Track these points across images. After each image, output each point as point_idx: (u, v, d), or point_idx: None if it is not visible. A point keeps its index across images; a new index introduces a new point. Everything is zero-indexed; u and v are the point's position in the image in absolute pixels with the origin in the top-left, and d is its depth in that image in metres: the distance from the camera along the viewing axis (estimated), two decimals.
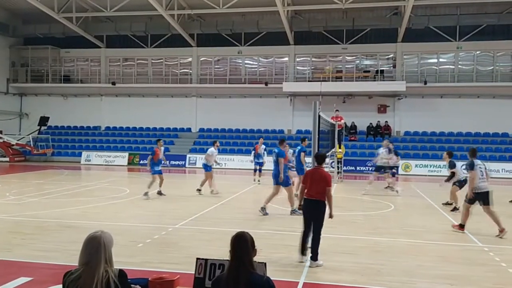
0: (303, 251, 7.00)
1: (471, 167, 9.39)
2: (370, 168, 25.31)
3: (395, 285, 6.10)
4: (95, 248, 3.00)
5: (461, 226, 9.62)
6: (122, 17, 28.75)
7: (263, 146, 18.97)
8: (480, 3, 25.12)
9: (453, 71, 27.85)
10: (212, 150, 15.11)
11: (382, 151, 16.38)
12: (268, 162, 17.09)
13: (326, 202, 6.91)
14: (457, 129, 27.34)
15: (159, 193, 14.07)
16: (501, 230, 9.19)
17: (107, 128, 32.14)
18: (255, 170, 18.93)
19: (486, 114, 26.64)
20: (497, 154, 25.23)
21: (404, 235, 9.25)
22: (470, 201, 9.54)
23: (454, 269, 6.88)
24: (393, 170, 17.31)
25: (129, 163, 27.87)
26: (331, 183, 6.97)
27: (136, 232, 8.99)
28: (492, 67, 27.49)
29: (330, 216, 6.98)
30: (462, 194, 11.06)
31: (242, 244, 3.06)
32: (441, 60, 28.27)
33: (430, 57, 28.39)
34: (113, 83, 31.10)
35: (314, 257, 6.81)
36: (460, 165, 13.17)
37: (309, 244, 6.97)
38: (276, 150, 11.57)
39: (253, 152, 19.21)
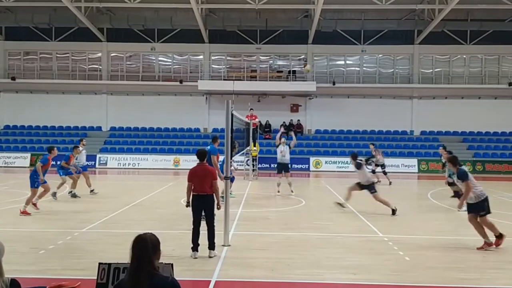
0: (196, 248, 7.15)
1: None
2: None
3: (304, 278, 6.33)
4: None
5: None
6: (23, 8, 26.62)
7: (83, 150, 14.65)
8: (381, 10, 26.95)
9: (359, 73, 29.63)
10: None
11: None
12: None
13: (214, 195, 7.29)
14: (363, 127, 29.12)
15: (34, 204, 11.21)
16: (392, 209, 11.28)
17: (6, 126, 29.64)
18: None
19: (387, 113, 28.74)
20: (397, 150, 27.30)
21: (314, 229, 9.64)
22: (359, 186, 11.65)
23: (358, 259, 7.31)
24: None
25: (31, 164, 25.86)
26: (217, 177, 7.37)
27: (38, 238, 8.39)
28: (392, 70, 29.69)
29: (218, 206, 7.38)
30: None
31: (141, 246, 2.99)
32: (348, 62, 29.92)
33: (338, 59, 29.92)
34: (13, 78, 28.73)
35: (212, 247, 7.21)
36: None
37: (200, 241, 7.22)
38: (208, 147, 10.90)
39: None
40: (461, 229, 9.92)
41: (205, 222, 7.23)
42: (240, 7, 26.01)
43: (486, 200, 7.99)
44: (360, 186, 11.66)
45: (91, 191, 14.45)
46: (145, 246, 2.98)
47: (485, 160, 26.38)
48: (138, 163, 26.01)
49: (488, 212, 7.99)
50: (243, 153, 19.32)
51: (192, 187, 7.21)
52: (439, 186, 17.59)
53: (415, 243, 8.51)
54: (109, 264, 3.55)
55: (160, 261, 3.21)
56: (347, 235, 9.16)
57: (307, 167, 26.25)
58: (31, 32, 29.06)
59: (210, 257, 7.09)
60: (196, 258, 7.03)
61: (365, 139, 28.54)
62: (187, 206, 7.33)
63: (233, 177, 13.77)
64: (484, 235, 8.03)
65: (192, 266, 6.72)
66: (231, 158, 8.77)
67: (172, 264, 3.41)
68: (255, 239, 8.61)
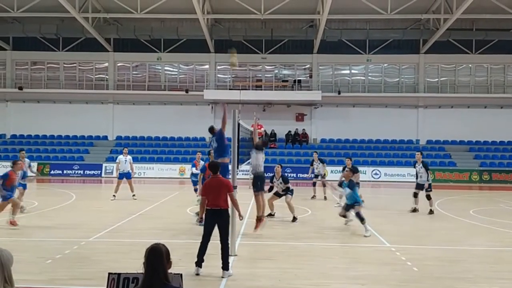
0: (200, 263, 6.83)
1: None
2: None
3: None
4: None
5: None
6: (30, 18, 26.92)
7: (124, 158, 16.98)
8: (387, 19, 27.02)
9: (364, 82, 29.66)
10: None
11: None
12: None
13: (232, 207, 7.03)
14: (368, 136, 29.09)
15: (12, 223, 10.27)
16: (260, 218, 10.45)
17: (13, 136, 29.83)
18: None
19: (393, 123, 28.69)
20: (403, 159, 27.18)
21: (320, 239, 9.61)
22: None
23: (365, 269, 7.27)
24: None
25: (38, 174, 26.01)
26: (232, 188, 7.17)
27: (44, 247, 8.40)
28: (398, 79, 29.68)
29: (240, 217, 7.20)
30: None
31: (157, 256, 3.01)
32: (353, 71, 29.96)
33: (343, 68, 29.97)
34: (20, 88, 28.99)
35: (226, 267, 6.77)
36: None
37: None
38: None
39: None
40: (470, 238, 9.86)
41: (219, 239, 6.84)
42: (245, 17, 26.19)
43: None
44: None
45: (133, 195, 15.66)
46: (160, 256, 3.00)
47: (492, 170, 26.22)
48: (144, 172, 26.06)
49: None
50: (249, 163, 19.27)
51: (206, 202, 6.92)
52: (446, 196, 17.50)
53: (422, 253, 8.45)
54: (119, 274, 3.56)
55: (169, 271, 3.21)
56: (354, 245, 9.12)
57: (312, 176, 26.09)
58: (39, 42, 29.37)
59: (222, 277, 6.63)
60: (198, 274, 6.71)
61: (371, 148, 28.50)
62: (200, 221, 7.06)
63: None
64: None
65: (199, 277, 6.69)
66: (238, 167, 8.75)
67: (181, 274, 3.42)
68: (261, 249, 8.59)
